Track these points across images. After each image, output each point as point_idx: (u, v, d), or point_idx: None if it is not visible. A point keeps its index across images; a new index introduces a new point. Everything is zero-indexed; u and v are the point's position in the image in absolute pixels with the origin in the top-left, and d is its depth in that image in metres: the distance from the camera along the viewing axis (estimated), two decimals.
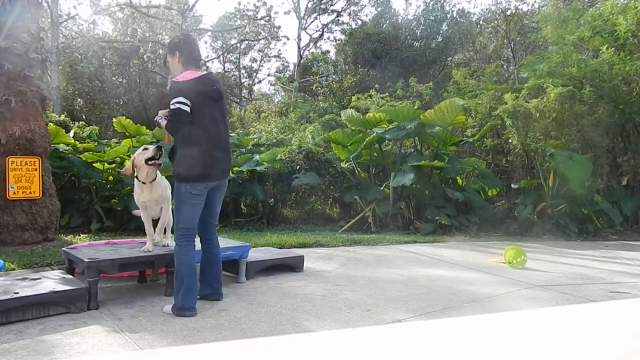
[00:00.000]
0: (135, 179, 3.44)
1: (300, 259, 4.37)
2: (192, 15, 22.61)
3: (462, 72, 11.52)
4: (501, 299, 3.49)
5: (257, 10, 22.88)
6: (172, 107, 2.84)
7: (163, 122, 2.93)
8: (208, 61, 24.65)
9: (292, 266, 4.31)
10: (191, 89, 2.84)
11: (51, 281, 3.08)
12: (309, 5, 21.71)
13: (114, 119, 7.95)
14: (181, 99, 2.80)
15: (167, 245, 3.64)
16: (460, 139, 8.64)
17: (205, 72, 3.01)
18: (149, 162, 3.31)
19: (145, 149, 3.36)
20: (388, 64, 17.06)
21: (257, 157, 8.74)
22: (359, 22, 21.21)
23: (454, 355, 0.65)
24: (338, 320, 2.87)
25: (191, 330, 2.64)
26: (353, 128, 8.86)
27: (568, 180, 7.34)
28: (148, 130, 8.39)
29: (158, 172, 3.46)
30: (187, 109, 2.81)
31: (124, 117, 7.74)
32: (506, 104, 7.81)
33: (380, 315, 2.99)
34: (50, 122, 8.59)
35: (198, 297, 3.06)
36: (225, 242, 4.05)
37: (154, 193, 3.43)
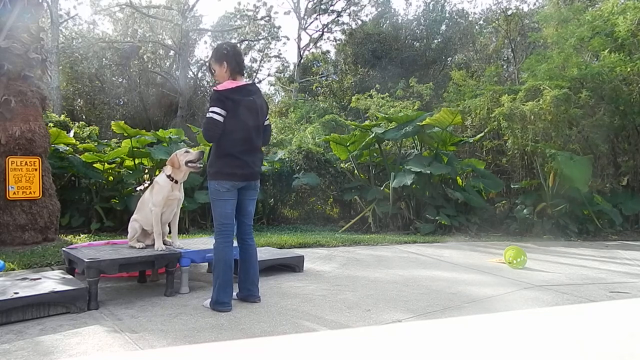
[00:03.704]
0: (165, 178, 3.55)
1: (300, 259, 4.37)
2: (192, 16, 22.60)
3: (461, 74, 11.52)
4: (501, 299, 3.48)
5: (257, 10, 22.87)
6: (207, 115, 3.07)
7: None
8: (208, 61, 24.65)
9: (292, 266, 4.31)
10: (227, 97, 3.04)
11: (51, 281, 3.08)
12: (309, 6, 21.70)
13: (112, 122, 7.96)
14: (216, 108, 3.03)
15: (171, 245, 3.71)
16: (460, 139, 8.64)
17: (245, 83, 3.18)
18: (189, 164, 3.51)
19: (187, 151, 3.59)
20: (388, 64, 17.06)
21: None
22: (359, 22, 21.20)
23: (454, 355, 0.65)
24: (338, 320, 2.87)
25: (191, 330, 2.64)
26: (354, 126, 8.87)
27: (571, 180, 7.33)
28: (149, 133, 8.39)
29: None
30: (220, 118, 3.02)
31: (122, 122, 7.76)
32: (503, 106, 7.81)
33: (380, 315, 2.99)
34: (50, 122, 8.59)
35: (236, 298, 3.22)
36: None
37: (181, 192, 3.65)
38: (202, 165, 3.60)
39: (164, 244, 3.63)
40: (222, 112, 3.01)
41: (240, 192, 3.20)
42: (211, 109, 3.04)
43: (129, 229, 3.72)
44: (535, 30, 12.57)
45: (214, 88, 3.14)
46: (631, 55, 7.99)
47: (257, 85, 3.33)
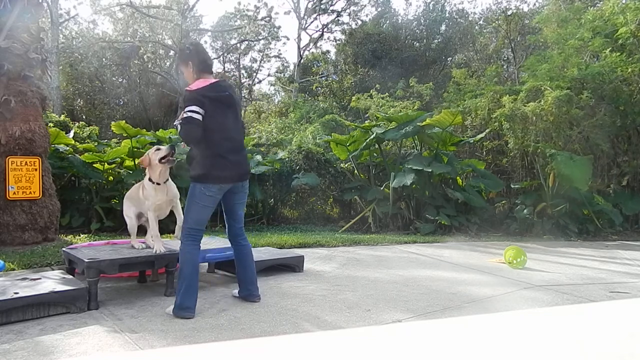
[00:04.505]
0: (148, 182, 3.41)
1: (300, 259, 4.37)
2: (192, 16, 22.60)
3: (462, 72, 11.52)
4: (501, 299, 3.49)
5: (258, 10, 22.88)
6: (184, 115, 2.93)
7: (179, 128, 3.02)
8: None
9: (292, 266, 4.31)
10: (203, 96, 2.93)
11: (51, 281, 3.08)
12: (309, 6, 21.70)
13: (113, 123, 7.97)
14: (193, 107, 2.90)
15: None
16: (460, 139, 8.64)
17: (217, 80, 3.09)
18: (162, 160, 3.34)
19: (158, 149, 3.42)
20: (388, 64, 17.06)
21: (257, 157, 8.74)
22: (359, 22, 21.21)
23: (454, 355, 0.65)
24: (338, 321, 2.87)
25: (191, 330, 2.64)
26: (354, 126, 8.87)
27: (571, 180, 7.34)
28: (149, 133, 8.40)
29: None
30: (199, 116, 2.90)
31: (123, 122, 7.76)
32: (504, 106, 7.81)
33: (380, 315, 2.99)
34: (50, 122, 8.59)
35: (237, 296, 3.26)
36: (225, 242, 4.05)
37: (169, 194, 3.48)
38: (176, 159, 3.45)
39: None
40: (200, 110, 2.90)
41: (229, 196, 3.13)
42: (187, 108, 2.91)
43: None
44: (536, 30, 12.57)
45: (187, 88, 3.02)
46: (632, 56, 7.99)
47: (230, 82, 3.26)
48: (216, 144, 2.97)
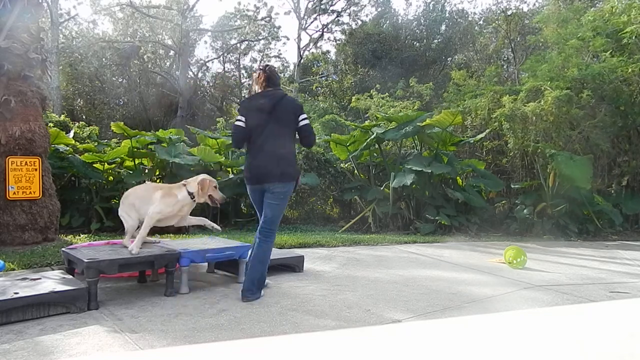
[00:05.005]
0: (187, 195, 3.57)
1: (300, 259, 4.37)
2: (192, 16, 22.60)
3: (461, 74, 11.52)
4: (501, 299, 3.49)
5: (258, 10, 22.88)
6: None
7: None
8: (208, 61, 24.65)
9: (292, 266, 4.31)
10: (244, 106, 3.41)
11: (51, 281, 3.08)
12: (309, 6, 21.70)
13: (112, 123, 7.99)
14: (238, 116, 3.38)
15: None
16: (460, 139, 8.64)
17: (262, 91, 3.39)
18: (210, 197, 3.64)
19: (216, 187, 3.71)
20: (388, 64, 17.06)
21: None
22: (359, 22, 21.21)
23: (454, 355, 0.65)
24: (338, 320, 2.87)
25: (191, 330, 2.64)
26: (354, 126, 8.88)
27: (572, 180, 7.34)
28: (149, 133, 8.41)
29: None
30: (241, 124, 3.33)
31: (122, 123, 7.78)
32: (504, 106, 7.81)
33: (380, 315, 2.99)
34: (50, 122, 8.59)
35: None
36: (224, 242, 4.05)
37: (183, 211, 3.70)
38: (219, 206, 3.81)
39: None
40: (242, 118, 3.32)
41: (264, 196, 3.37)
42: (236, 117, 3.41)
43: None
44: (535, 31, 12.56)
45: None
46: (632, 56, 7.99)
47: (280, 91, 3.47)
48: (249, 148, 3.37)
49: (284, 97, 3.37)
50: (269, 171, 3.26)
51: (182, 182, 3.67)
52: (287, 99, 3.39)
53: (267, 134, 3.27)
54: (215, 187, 3.66)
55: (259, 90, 3.40)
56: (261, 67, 3.48)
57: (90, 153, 7.78)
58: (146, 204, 3.57)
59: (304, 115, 3.38)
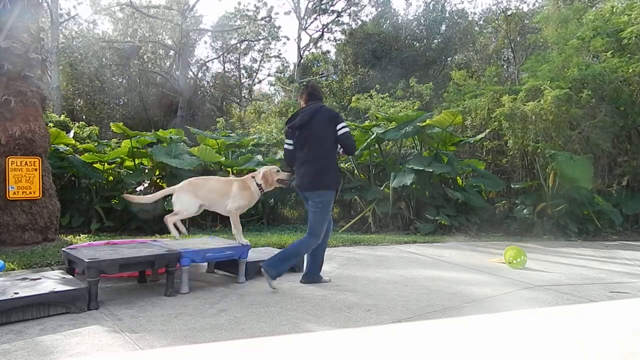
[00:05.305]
0: (257, 187, 3.78)
1: (300, 259, 4.36)
2: (192, 16, 22.60)
3: (461, 74, 11.52)
4: (501, 299, 3.49)
5: (258, 10, 22.88)
6: None
7: None
8: (208, 61, 24.66)
9: (292, 266, 4.30)
10: (289, 127, 3.74)
11: (51, 281, 3.08)
12: (309, 6, 21.71)
13: (112, 124, 7.99)
14: (286, 139, 3.82)
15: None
16: (460, 139, 8.63)
17: (305, 106, 3.72)
18: (279, 181, 3.84)
19: (278, 171, 3.90)
20: (388, 64, 17.06)
21: (257, 157, 8.74)
22: (359, 22, 21.21)
23: (454, 356, 0.65)
24: (338, 320, 2.87)
25: (191, 330, 2.64)
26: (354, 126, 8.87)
27: (572, 180, 7.33)
28: (149, 134, 8.41)
29: None
30: (289, 147, 3.78)
31: (121, 124, 7.79)
32: (504, 106, 7.80)
33: (380, 315, 2.99)
34: (50, 122, 8.60)
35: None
36: (224, 242, 4.05)
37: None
38: (290, 185, 3.96)
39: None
40: (289, 141, 3.76)
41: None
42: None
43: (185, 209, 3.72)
44: (535, 30, 12.57)
45: None
46: (632, 56, 7.98)
47: (318, 103, 3.74)
48: (297, 159, 3.73)
49: (321, 108, 3.65)
50: (307, 181, 3.60)
51: (251, 174, 3.89)
52: (323, 109, 3.65)
53: (308, 146, 3.60)
54: (278, 171, 3.88)
55: (304, 105, 3.75)
56: (304, 84, 3.83)
57: (90, 153, 7.78)
58: (223, 197, 3.75)
59: (343, 124, 3.62)
